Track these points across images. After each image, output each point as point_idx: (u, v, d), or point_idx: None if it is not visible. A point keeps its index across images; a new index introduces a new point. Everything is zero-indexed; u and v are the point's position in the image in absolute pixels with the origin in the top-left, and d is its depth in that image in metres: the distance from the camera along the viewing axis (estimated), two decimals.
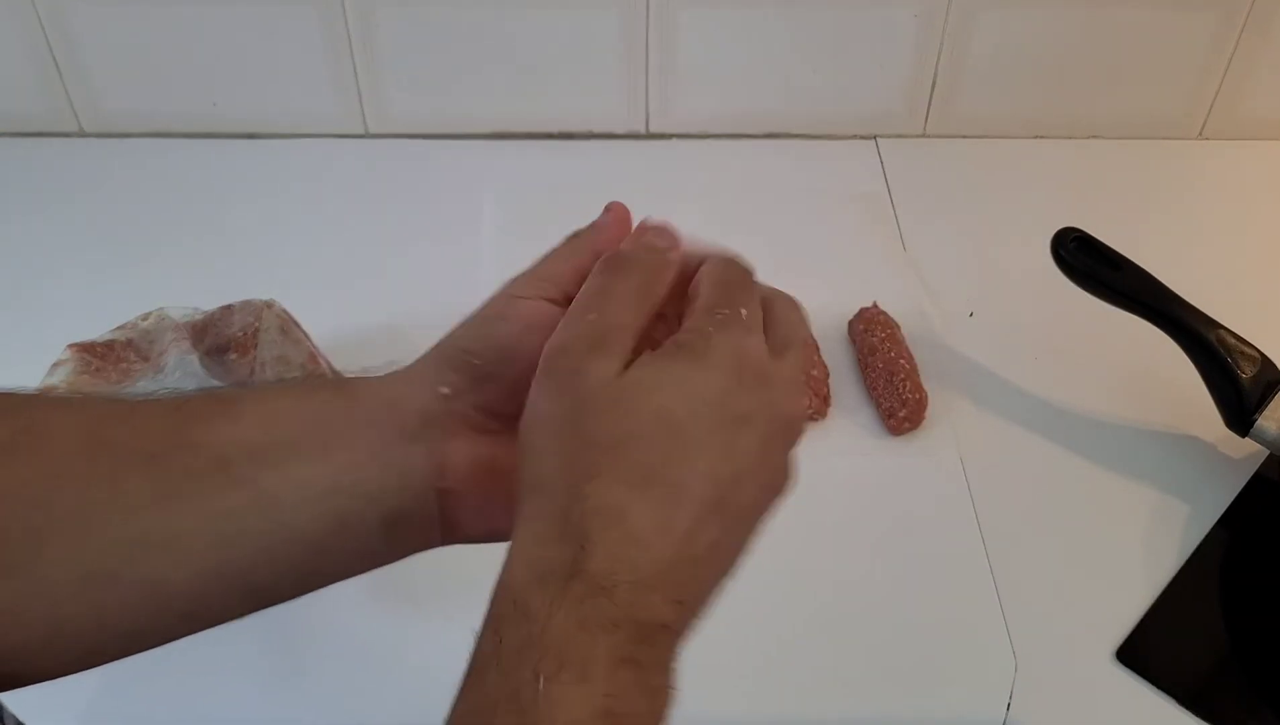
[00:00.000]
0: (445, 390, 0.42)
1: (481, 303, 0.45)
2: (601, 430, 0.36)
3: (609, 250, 0.43)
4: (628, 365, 0.37)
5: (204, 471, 0.39)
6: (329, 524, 0.40)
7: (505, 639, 0.34)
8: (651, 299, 0.40)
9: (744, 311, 0.39)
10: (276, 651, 0.66)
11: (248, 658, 0.66)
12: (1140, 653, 0.68)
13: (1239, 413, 0.73)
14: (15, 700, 0.38)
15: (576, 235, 0.46)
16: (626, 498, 0.35)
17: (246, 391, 0.43)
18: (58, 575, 0.37)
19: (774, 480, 0.39)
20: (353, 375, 0.44)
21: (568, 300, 0.42)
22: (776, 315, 0.41)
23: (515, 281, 0.45)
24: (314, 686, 0.65)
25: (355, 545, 0.41)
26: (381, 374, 0.44)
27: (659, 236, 0.42)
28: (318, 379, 0.45)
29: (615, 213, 0.46)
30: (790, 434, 0.40)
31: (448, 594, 0.69)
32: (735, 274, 0.41)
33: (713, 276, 0.41)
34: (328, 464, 0.40)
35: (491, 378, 0.42)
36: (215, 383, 0.69)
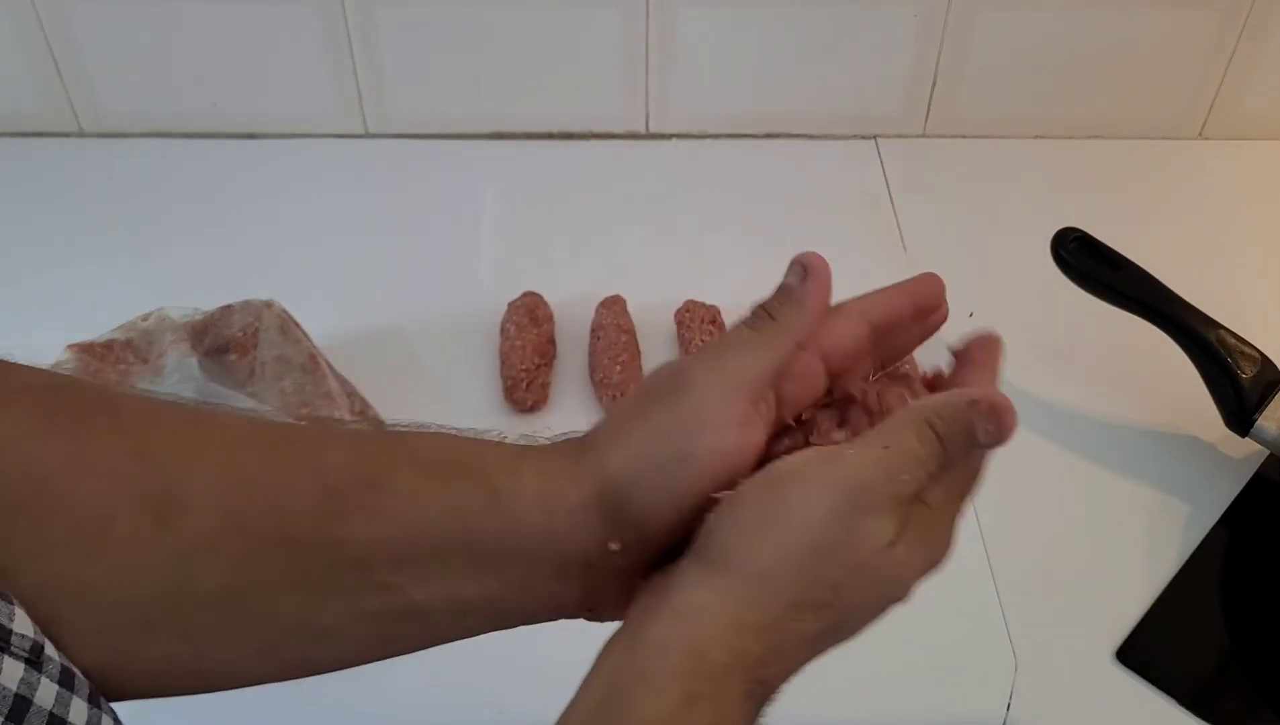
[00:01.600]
0: (615, 547, 0.39)
1: (669, 423, 0.38)
2: (846, 579, 0.37)
3: (809, 339, 0.40)
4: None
5: (344, 570, 0.38)
6: (480, 632, 0.40)
7: (698, 712, 0.35)
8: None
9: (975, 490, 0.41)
10: None
11: None
12: (1140, 653, 0.68)
13: (1239, 413, 0.73)
14: None
15: (786, 324, 0.40)
16: (818, 640, 0.38)
17: (389, 474, 0.39)
18: (207, 644, 0.38)
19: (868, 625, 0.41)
20: (498, 459, 0.40)
21: (761, 401, 0.39)
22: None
23: (700, 381, 0.39)
24: (315, 686, 0.65)
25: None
26: (531, 467, 0.40)
27: (993, 432, 0.40)
28: (464, 473, 0.40)
29: (817, 276, 0.40)
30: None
31: None
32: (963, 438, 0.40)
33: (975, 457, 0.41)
34: (478, 586, 0.39)
35: (668, 534, 0.38)
36: (214, 385, 0.68)
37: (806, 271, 0.40)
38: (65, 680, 0.34)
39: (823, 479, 0.37)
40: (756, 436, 0.39)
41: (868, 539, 0.37)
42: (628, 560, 0.39)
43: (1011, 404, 0.39)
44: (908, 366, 0.46)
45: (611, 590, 0.40)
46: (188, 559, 0.37)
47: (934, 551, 0.40)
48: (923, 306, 0.46)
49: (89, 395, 0.40)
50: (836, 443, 0.40)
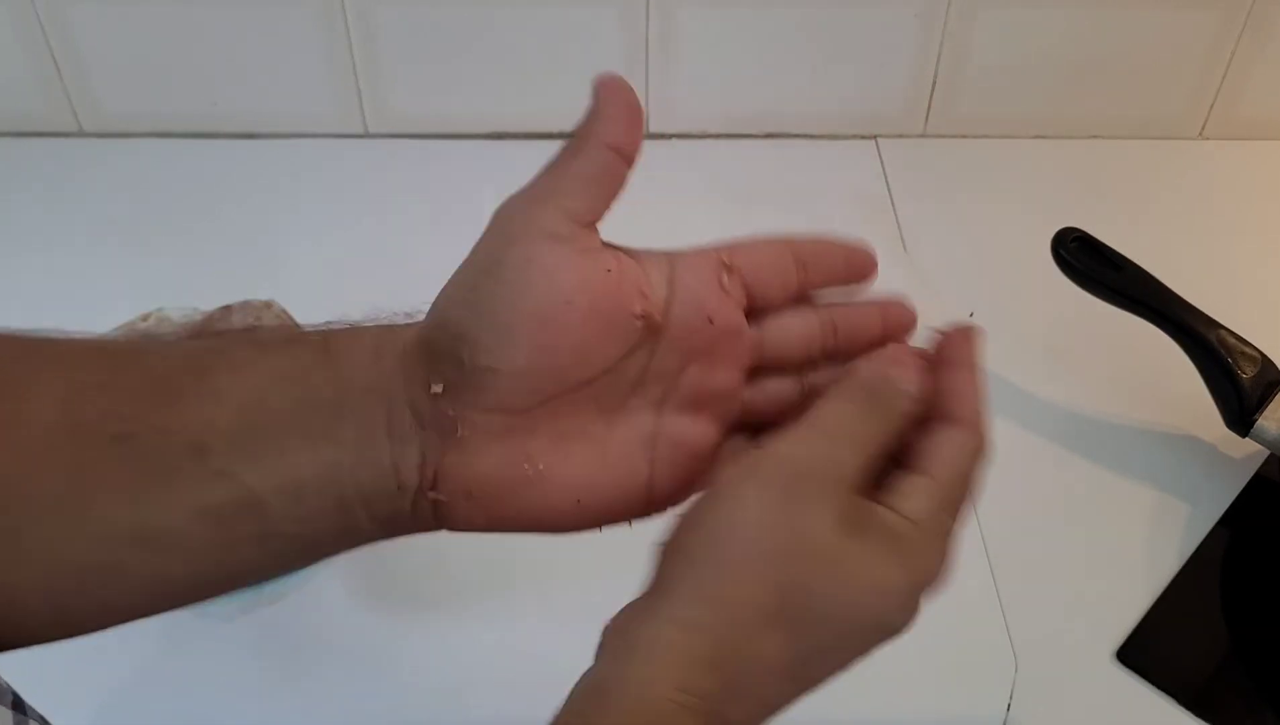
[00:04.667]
0: (437, 388, 0.37)
1: (475, 248, 0.38)
2: (802, 582, 0.35)
3: (628, 139, 0.38)
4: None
5: (180, 460, 0.36)
6: (319, 526, 0.38)
7: None
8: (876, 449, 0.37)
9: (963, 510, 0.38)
10: (277, 651, 0.66)
11: (247, 657, 0.66)
12: (1140, 653, 0.68)
13: (1239, 413, 0.73)
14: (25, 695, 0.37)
15: (582, 133, 0.38)
16: (790, 670, 0.35)
17: (224, 355, 0.38)
18: (43, 561, 0.36)
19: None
20: (340, 329, 0.40)
21: (586, 224, 0.37)
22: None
23: (511, 207, 0.38)
24: (315, 686, 0.65)
25: (348, 541, 0.39)
26: (370, 330, 0.39)
27: (903, 378, 0.38)
28: (299, 341, 0.39)
29: (614, 92, 0.38)
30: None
31: (448, 594, 0.69)
32: (978, 447, 0.40)
33: (965, 446, 0.39)
34: (314, 461, 0.37)
35: (493, 370, 0.36)
36: None
37: (598, 85, 0.39)
38: (18, 705, 0.34)
39: (753, 479, 0.35)
40: (578, 251, 0.37)
41: (813, 531, 0.34)
42: (457, 411, 0.37)
43: (908, 355, 0.37)
44: None
45: (453, 469, 0.38)
46: (20, 473, 0.36)
47: (923, 567, 0.37)
48: (853, 261, 0.45)
49: None
50: None
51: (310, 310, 0.78)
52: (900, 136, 1.02)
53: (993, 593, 0.70)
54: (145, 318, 0.74)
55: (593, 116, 0.38)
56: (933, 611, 0.70)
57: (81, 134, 1.00)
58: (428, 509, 0.38)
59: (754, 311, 0.42)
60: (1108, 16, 0.96)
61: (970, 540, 0.73)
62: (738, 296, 0.41)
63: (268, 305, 0.75)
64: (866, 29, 0.96)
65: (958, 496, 0.38)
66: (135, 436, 0.36)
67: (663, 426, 0.40)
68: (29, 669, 0.38)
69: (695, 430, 0.41)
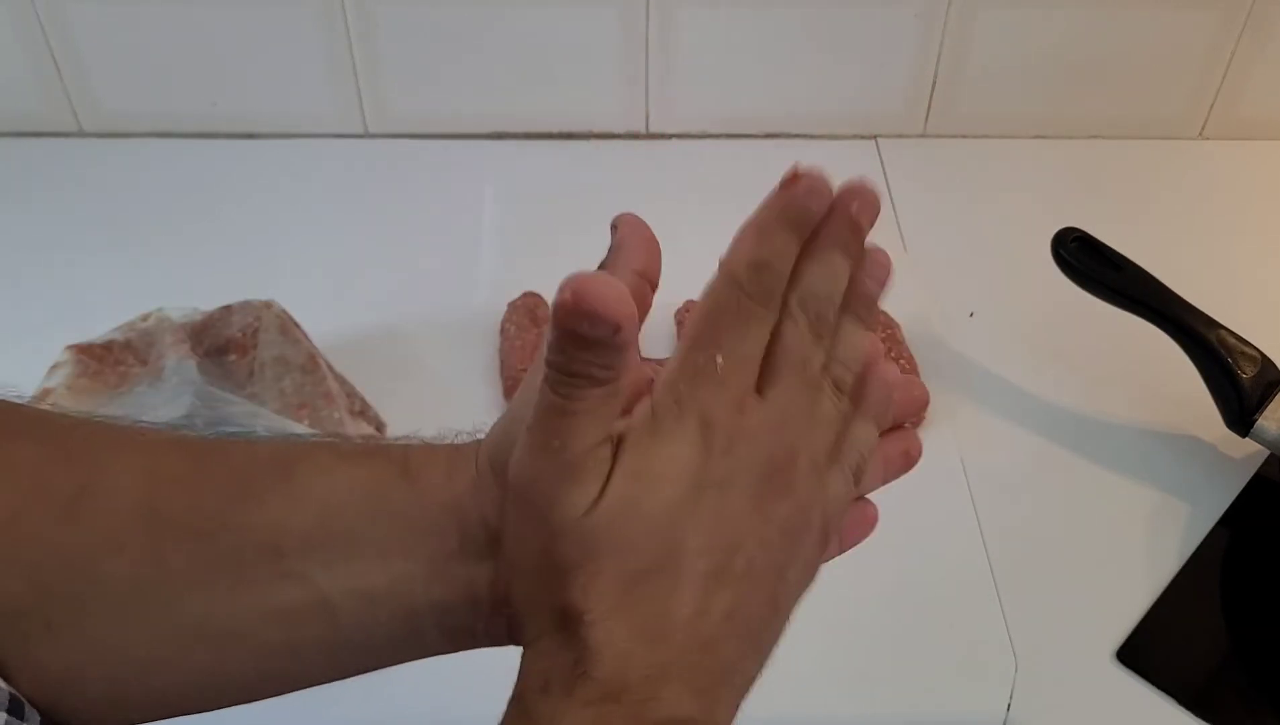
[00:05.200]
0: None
1: (532, 371, 0.38)
2: (585, 554, 0.34)
3: (650, 267, 0.39)
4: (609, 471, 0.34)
5: (254, 559, 0.37)
6: (387, 634, 0.38)
7: None
8: (618, 400, 0.35)
9: (720, 358, 0.35)
10: None
11: None
12: (1140, 653, 0.68)
13: (1239, 413, 0.73)
14: None
15: (611, 262, 0.40)
16: (623, 600, 0.34)
17: (307, 459, 0.39)
18: (108, 647, 0.36)
19: (784, 530, 0.36)
20: (416, 445, 0.40)
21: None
22: (783, 333, 0.37)
23: None
24: (307, 695, 0.65)
25: (417, 651, 0.40)
26: (444, 447, 0.40)
27: (589, 326, 0.32)
28: (380, 454, 0.40)
29: (634, 226, 0.40)
30: (789, 477, 0.36)
31: None
32: (722, 304, 0.36)
33: (698, 307, 0.36)
34: (386, 571, 0.37)
35: None
36: (212, 389, 0.68)
37: (618, 221, 0.40)
38: (15, 709, 0.34)
39: (508, 499, 0.36)
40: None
41: (564, 521, 0.34)
42: None
43: (599, 281, 0.32)
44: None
45: None
46: (95, 554, 0.36)
47: (753, 445, 0.35)
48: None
49: (12, 407, 0.40)
50: None
51: (310, 310, 0.79)
52: (900, 136, 1.02)
53: (993, 593, 0.70)
54: (145, 318, 0.74)
55: (617, 247, 0.39)
56: (933, 611, 0.70)
57: (81, 134, 1.00)
58: (501, 626, 0.39)
59: None
60: (1108, 16, 0.96)
61: (970, 540, 0.73)
62: None
63: (268, 305, 0.75)
64: (866, 29, 0.96)
65: (697, 342, 0.36)
66: (211, 534, 0.37)
67: None
68: None
69: None
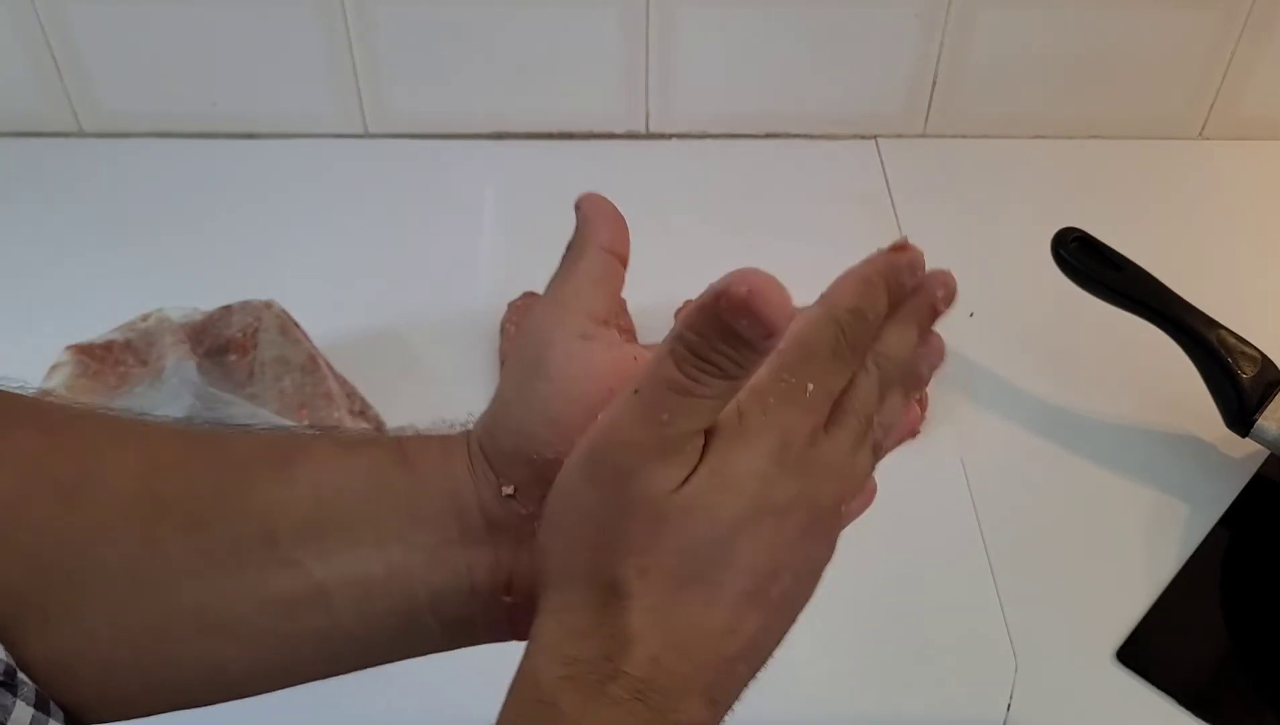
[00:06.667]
0: (509, 490, 0.38)
1: (517, 355, 0.40)
2: (651, 538, 0.34)
3: (619, 242, 0.40)
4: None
5: (250, 546, 0.37)
6: (384, 625, 0.38)
7: None
8: (733, 396, 0.34)
9: (811, 386, 0.35)
10: None
11: None
12: (1140, 653, 0.68)
13: (1239, 413, 0.73)
14: None
15: (579, 241, 0.40)
16: (670, 599, 0.34)
17: (302, 448, 0.39)
18: (104, 635, 0.36)
19: (813, 568, 0.37)
20: (410, 435, 0.40)
21: (604, 322, 0.39)
22: (856, 383, 0.37)
23: (540, 315, 0.39)
24: (318, 688, 0.65)
25: (414, 645, 0.40)
26: (438, 436, 0.40)
27: (748, 324, 0.32)
28: (377, 443, 0.40)
29: (597, 204, 0.41)
30: (830, 523, 0.37)
31: None
32: (822, 337, 0.36)
33: (797, 334, 0.36)
34: (383, 560, 0.38)
35: (558, 463, 0.37)
36: (212, 390, 0.68)
37: (581, 201, 0.41)
38: (41, 704, 0.34)
39: (577, 456, 0.35)
40: (606, 346, 0.38)
41: (646, 495, 0.34)
42: (529, 511, 0.38)
43: (768, 282, 0.31)
44: None
45: (527, 570, 0.38)
46: (92, 541, 0.36)
47: (813, 489, 0.36)
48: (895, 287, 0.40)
49: (13, 396, 0.40)
50: None
51: (310, 310, 0.79)
52: (900, 136, 1.02)
53: (993, 593, 0.70)
54: (145, 318, 0.74)
55: (583, 226, 0.40)
56: (933, 611, 0.70)
57: (81, 134, 1.00)
58: (501, 613, 0.39)
59: None
60: (1108, 16, 0.96)
61: (970, 540, 0.73)
62: None
63: (268, 305, 0.75)
64: (866, 29, 0.96)
65: (788, 366, 0.36)
66: (208, 521, 0.37)
67: None
68: None
69: None
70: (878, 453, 0.39)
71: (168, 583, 0.37)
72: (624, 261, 0.41)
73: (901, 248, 0.37)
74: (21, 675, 0.34)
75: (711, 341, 0.32)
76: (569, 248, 0.40)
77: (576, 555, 0.35)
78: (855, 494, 0.38)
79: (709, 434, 0.35)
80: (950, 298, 0.39)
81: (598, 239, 0.40)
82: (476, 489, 0.38)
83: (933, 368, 0.41)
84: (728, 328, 0.32)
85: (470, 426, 0.41)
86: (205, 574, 0.37)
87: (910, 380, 0.40)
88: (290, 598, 0.37)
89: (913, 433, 0.43)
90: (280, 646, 0.38)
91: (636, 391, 0.34)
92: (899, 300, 0.38)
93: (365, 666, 0.40)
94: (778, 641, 0.37)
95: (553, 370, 0.38)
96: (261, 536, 0.37)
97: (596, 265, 0.40)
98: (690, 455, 0.34)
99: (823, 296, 0.37)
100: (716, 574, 0.34)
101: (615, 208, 0.41)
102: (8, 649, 0.35)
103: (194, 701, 0.39)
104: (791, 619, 0.37)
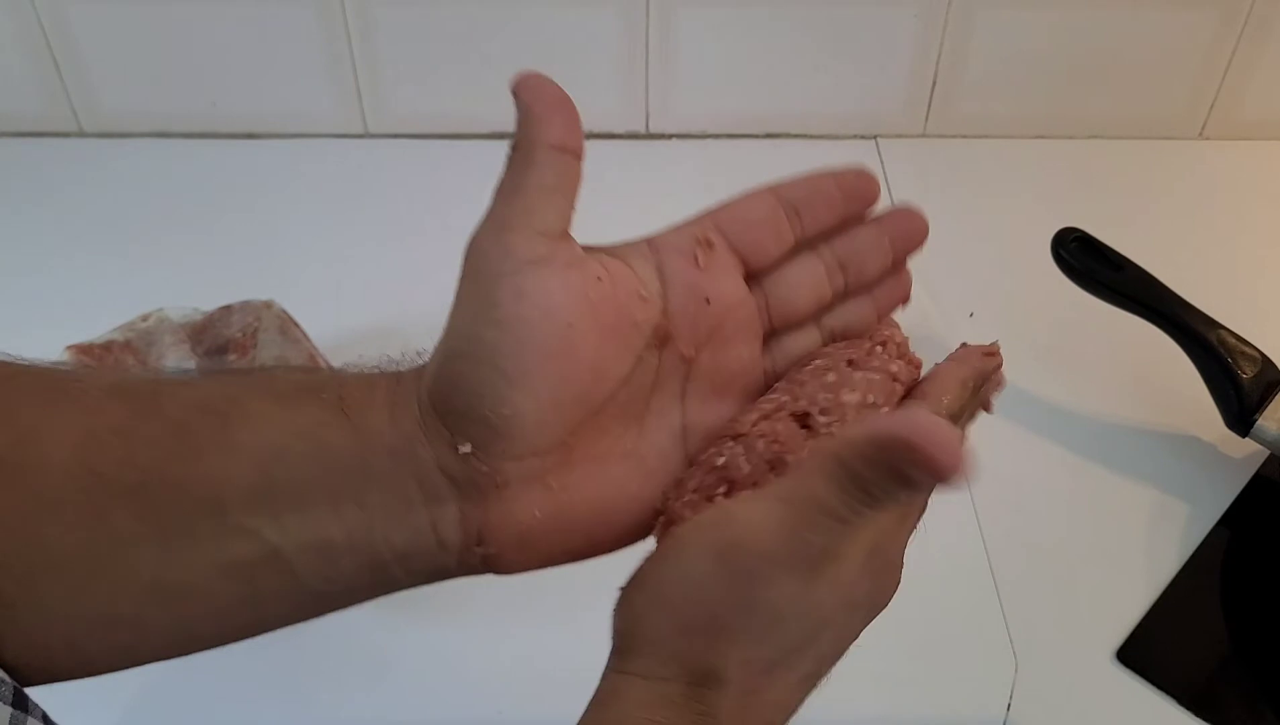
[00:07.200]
0: (465, 448, 0.36)
1: (460, 295, 0.37)
2: (764, 635, 0.34)
3: (570, 135, 0.36)
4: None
5: (198, 514, 0.35)
6: (351, 583, 0.37)
7: None
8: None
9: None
10: (279, 650, 0.66)
11: (245, 656, 0.65)
12: (1141, 653, 0.68)
13: (1239, 413, 0.73)
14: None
15: (524, 142, 0.36)
16: (759, 684, 0.34)
17: (240, 404, 0.37)
18: (64, 611, 0.35)
19: (844, 651, 0.38)
20: (352, 381, 0.38)
21: (560, 235, 0.36)
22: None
23: (483, 241, 0.36)
24: (309, 689, 0.65)
25: (386, 591, 0.38)
26: (383, 384, 0.38)
27: (923, 476, 0.31)
28: (315, 395, 0.37)
29: (538, 89, 0.36)
30: (872, 614, 0.38)
31: (447, 593, 0.69)
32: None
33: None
34: (340, 523, 0.36)
35: (518, 416, 0.35)
36: None
37: (517, 87, 0.36)
38: (19, 703, 0.33)
39: (709, 546, 0.34)
40: (564, 267, 0.35)
41: (773, 600, 0.33)
42: (493, 467, 0.36)
43: (951, 435, 0.30)
44: (888, 332, 0.43)
45: (498, 520, 0.36)
46: (37, 518, 0.35)
47: (882, 587, 0.38)
48: (850, 190, 0.43)
49: None
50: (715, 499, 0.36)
51: (310, 310, 0.78)
52: (900, 136, 1.02)
53: (993, 593, 0.70)
54: (145, 318, 0.74)
55: (526, 121, 0.36)
56: (933, 611, 0.70)
57: (81, 134, 1.00)
58: (476, 560, 0.38)
59: (754, 274, 0.40)
60: (1107, 16, 0.96)
61: (970, 540, 0.73)
62: (729, 267, 0.39)
63: (268, 305, 0.75)
64: (866, 29, 0.96)
65: (917, 514, 0.38)
66: (153, 489, 0.35)
67: (690, 419, 0.40)
68: None
69: (724, 412, 0.40)
70: None
71: (120, 556, 0.35)
72: (579, 156, 0.36)
73: (992, 354, 0.41)
74: (0, 674, 0.34)
75: (882, 483, 0.31)
76: (512, 149, 0.36)
77: (682, 634, 0.34)
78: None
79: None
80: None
81: (546, 136, 0.35)
82: (432, 447, 0.36)
83: None
84: (903, 474, 0.31)
85: (421, 364, 0.38)
86: (157, 543, 0.35)
87: None
88: (248, 563, 0.36)
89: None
90: (245, 608, 0.37)
91: (786, 501, 0.33)
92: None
93: (337, 610, 0.39)
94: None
95: (501, 313, 0.35)
96: (208, 504, 0.35)
97: (549, 170, 0.36)
98: (817, 570, 0.34)
99: (926, 394, 0.38)
100: (796, 661, 0.35)
101: (561, 90, 0.36)
102: None
103: (165, 658, 0.38)
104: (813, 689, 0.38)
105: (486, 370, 0.35)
